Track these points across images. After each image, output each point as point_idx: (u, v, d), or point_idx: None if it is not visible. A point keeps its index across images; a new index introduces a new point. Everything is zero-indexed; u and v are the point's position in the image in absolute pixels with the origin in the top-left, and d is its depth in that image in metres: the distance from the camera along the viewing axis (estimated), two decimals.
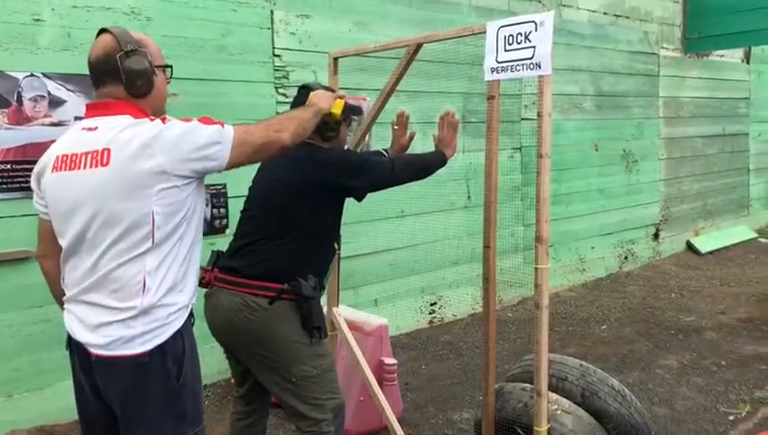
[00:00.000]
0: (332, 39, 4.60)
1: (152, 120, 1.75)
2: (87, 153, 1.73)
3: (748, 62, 9.20)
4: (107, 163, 1.70)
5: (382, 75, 3.18)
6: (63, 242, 1.81)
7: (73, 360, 1.86)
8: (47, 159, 1.85)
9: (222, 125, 1.80)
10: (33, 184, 1.91)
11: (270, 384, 2.45)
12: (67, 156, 1.77)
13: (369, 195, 2.63)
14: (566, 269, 6.65)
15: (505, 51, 2.39)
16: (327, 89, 2.52)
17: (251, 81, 4.36)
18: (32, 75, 3.55)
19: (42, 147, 3.35)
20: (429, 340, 5.15)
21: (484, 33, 2.47)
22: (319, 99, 2.27)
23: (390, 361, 3.57)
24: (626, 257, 7.38)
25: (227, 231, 4.19)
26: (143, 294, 1.72)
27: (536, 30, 2.29)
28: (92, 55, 1.82)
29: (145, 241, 1.72)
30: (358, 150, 3.10)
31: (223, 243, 2.73)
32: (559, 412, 2.63)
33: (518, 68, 2.35)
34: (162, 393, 1.76)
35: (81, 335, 1.77)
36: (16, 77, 3.51)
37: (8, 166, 3.50)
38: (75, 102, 3.65)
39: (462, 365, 4.61)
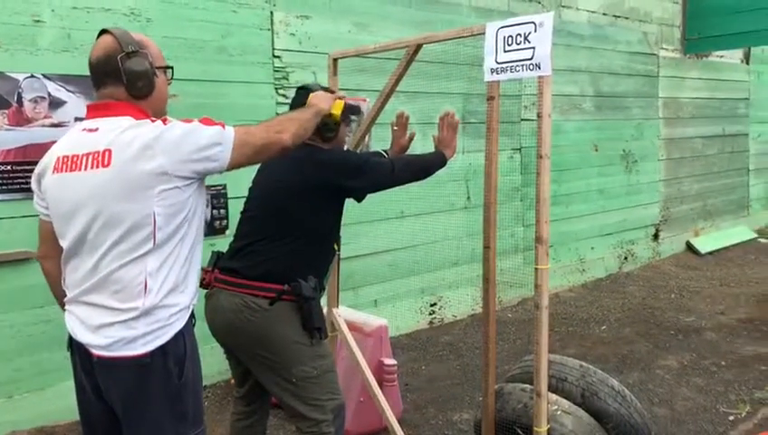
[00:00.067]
0: (332, 40, 4.61)
1: (153, 121, 1.75)
2: (88, 154, 1.73)
3: (748, 63, 9.21)
4: (108, 164, 1.70)
5: (382, 76, 3.18)
6: (64, 243, 1.81)
7: (75, 361, 1.86)
8: (48, 160, 1.85)
9: (223, 126, 1.80)
10: (33, 185, 1.91)
11: (270, 385, 2.45)
12: (68, 157, 1.77)
13: (368, 196, 2.63)
14: (566, 270, 6.65)
15: (505, 52, 2.39)
16: (326, 90, 2.53)
17: (251, 82, 4.37)
18: (32, 76, 3.56)
19: (42, 148, 3.37)
20: (429, 340, 5.15)
21: (484, 33, 2.48)
22: (318, 100, 2.27)
23: (390, 361, 3.57)
24: (626, 258, 7.38)
25: (227, 232, 4.19)
26: (145, 295, 1.73)
27: (536, 31, 2.29)
28: (93, 56, 1.82)
29: (146, 242, 1.72)
30: (357, 151, 3.11)
31: (223, 244, 2.73)
32: (559, 413, 2.63)
33: (518, 69, 2.35)
34: (164, 394, 1.76)
35: (83, 336, 1.78)
36: (17, 78, 3.51)
37: (8, 167, 3.50)
38: (75, 103, 3.65)
39: (462, 366, 4.62)
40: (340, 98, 2.45)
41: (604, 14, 7.00)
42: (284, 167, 2.42)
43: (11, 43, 3.50)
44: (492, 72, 2.46)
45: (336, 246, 2.67)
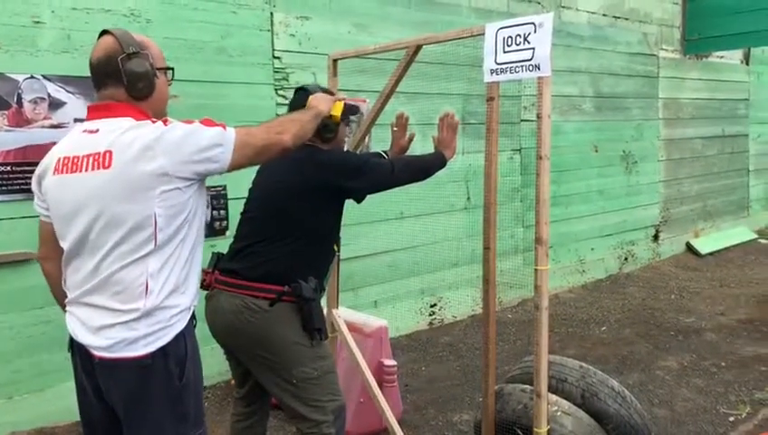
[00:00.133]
0: (332, 41, 4.61)
1: (154, 122, 1.75)
2: (89, 155, 1.73)
3: (747, 64, 9.21)
4: (109, 165, 1.70)
5: (382, 77, 3.18)
6: (65, 244, 1.81)
7: (75, 362, 1.86)
8: (48, 161, 1.85)
9: (224, 127, 1.80)
10: (33, 187, 1.91)
11: (270, 386, 2.45)
12: (68, 158, 1.77)
13: (368, 196, 2.63)
14: (566, 271, 6.65)
15: (504, 52, 2.39)
16: (325, 91, 2.53)
17: (251, 82, 4.37)
18: (32, 77, 3.56)
19: (42, 149, 3.38)
20: (429, 341, 5.15)
21: (484, 34, 2.48)
22: (318, 102, 2.27)
23: (390, 362, 3.57)
24: (626, 259, 7.38)
25: (227, 233, 4.20)
26: (146, 297, 1.73)
27: (535, 31, 2.29)
28: (94, 57, 1.82)
29: (147, 243, 1.72)
30: (357, 152, 3.11)
31: (223, 245, 2.73)
32: (559, 414, 2.63)
33: (517, 69, 2.35)
34: (165, 395, 1.76)
35: (84, 337, 1.78)
36: (16, 79, 3.51)
37: (8, 168, 3.50)
38: (75, 104, 3.65)
39: (462, 367, 4.61)
40: (339, 99, 2.45)
41: (604, 14, 7.00)
42: (284, 168, 2.42)
43: (11, 44, 3.50)
44: (491, 73, 2.46)
45: (336, 247, 2.67)
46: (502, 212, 3.51)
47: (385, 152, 2.94)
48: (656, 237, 7.81)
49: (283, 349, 2.37)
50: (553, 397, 2.69)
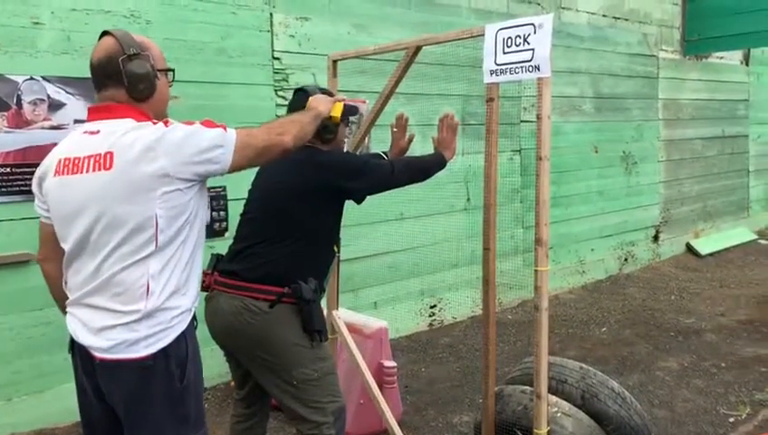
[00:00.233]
0: (332, 42, 4.61)
1: (155, 123, 1.75)
2: (90, 157, 1.73)
3: (747, 64, 9.21)
4: (110, 167, 1.70)
5: (381, 78, 3.18)
6: (66, 246, 1.81)
7: (76, 363, 1.85)
8: (49, 162, 1.85)
9: (224, 128, 1.80)
10: (34, 188, 1.91)
11: (270, 387, 2.45)
12: (69, 160, 1.77)
13: (368, 197, 2.63)
14: (566, 271, 6.65)
15: (504, 53, 2.39)
16: (324, 92, 2.53)
17: (251, 83, 4.37)
18: (31, 78, 3.56)
19: (41, 150, 3.38)
20: (429, 342, 5.15)
21: (483, 35, 2.48)
22: (318, 103, 2.27)
23: (390, 363, 3.56)
24: (626, 259, 7.38)
25: (227, 234, 4.19)
26: (147, 298, 1.72)
27: (535, 32, 2.29)
28: (94, 58, 1.82)
29: (148, 244, 1.72)
30: (357, 153, 3.11)
31: (223, 246, 2.73)
32: (559, 415, 2.63)
33: (517, 70, 2.36)
34: (166, 396, 1.76)
35: (85, 339, 1.78)
36: (16, 80, 3.51)
37: (8, 169, 3.50)
38: (75, 105, 3.65)
39: (462, 368, 4.61)
40: (339, 100, 2.45)
41: (604, 15, 7.00)
42: (284, 168, 2.42)
43: (10, 45, 3.50)
44: (491, 74, 2.46)
45: (336, 248, 2.67)
46: (502, 213, 3.50)
47: (385, 153, 2.94)
48: (656, 238, 7.81)
49: (283, 350, 2.37)
50: (553, 398, 2.69)
